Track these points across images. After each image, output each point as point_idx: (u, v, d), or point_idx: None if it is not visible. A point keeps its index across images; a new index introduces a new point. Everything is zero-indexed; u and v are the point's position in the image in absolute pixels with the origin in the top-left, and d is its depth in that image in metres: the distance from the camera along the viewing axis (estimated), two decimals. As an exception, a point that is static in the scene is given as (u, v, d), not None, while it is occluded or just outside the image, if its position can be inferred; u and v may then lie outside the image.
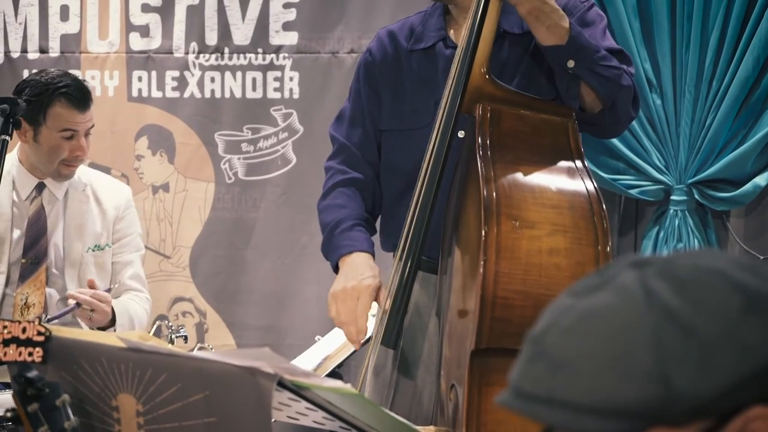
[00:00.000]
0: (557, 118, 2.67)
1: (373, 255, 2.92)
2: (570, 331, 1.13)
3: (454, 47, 2.90)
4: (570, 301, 1.15)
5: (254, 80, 5.10)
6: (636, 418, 1.09)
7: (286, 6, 5.07)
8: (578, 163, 2.60)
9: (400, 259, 2.74)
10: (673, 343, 1.09)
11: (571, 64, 2.69)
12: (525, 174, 2.55)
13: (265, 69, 5.09)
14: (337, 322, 2.89)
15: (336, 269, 2.95)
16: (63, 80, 3.83)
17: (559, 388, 1.12)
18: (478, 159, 2.54)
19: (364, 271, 2.85)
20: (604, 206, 2.53)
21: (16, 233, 3.88)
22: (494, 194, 2.47)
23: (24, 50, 5.17)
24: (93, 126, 3.88)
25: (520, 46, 2.86)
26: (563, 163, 2.60)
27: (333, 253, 2.96)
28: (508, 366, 2.50)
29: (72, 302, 3.72)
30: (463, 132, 2.68)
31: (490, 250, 2.42)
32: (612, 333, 1.11)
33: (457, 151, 2.70)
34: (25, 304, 3.88)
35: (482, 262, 2.42)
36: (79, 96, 3.83)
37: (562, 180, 2.56)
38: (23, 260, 3.88)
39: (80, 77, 4.01)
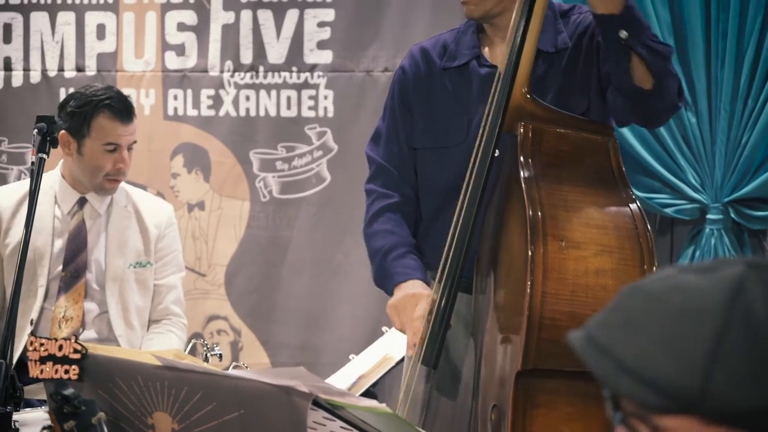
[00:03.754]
0: (598, 137, 2.65)
1: (428, 283, 2.92)
2: (655, 296, 1.16)
3: (489, 65, 2.90)
4: (673, 272, 1.17)
5: (289, 99, 5.11)
6: (669, 398, 1.11)
7: (321, 25, 5.08)
8: (620, 183, 2.59)
9: (440, 281, 2.73)
10: (733, 345, 1.10)
11: (623, 34, 2.62)
12: (569, 194, 2.54)
13: (299, 87, 5.10)
14: (402, 330, 2.88)
15: (390, 293, 2.96)
16: (107, 93, 3.87)
17: (617, 343, 1.15)
18: (522, 178, 2.53)
19: (422, 290, 2.86)
20: (648, 226, 2.52)
21: (57, 247, 3.90)
22: (540, 214, 2.46)
23: (61, 69, 5.20)
24: (135, 142, 3.91)
25: (553, 64, 2.85)
26: (606, 183, 2.58)
27: (389, 279, 2.96)
28: (553, 387, 2.49)
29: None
30: (497, 151, 2.68)
31: (537, 271, 2.41)
32: (686, 311, 1.13)
33: (495, 171, 2.70)
34: (63, 317, 3.90)
35: (529, 283, 2.41)
36: (122, 108, 3.87)
37: (606, 200, 2.55)
38: (63, 273, 3.90)
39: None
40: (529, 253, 2.42)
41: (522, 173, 2.54)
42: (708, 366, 1.09)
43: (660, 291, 1.16)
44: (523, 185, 2.52)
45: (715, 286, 1.13)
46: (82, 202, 3.94)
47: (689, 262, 4.78)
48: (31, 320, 3.86)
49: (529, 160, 2.57)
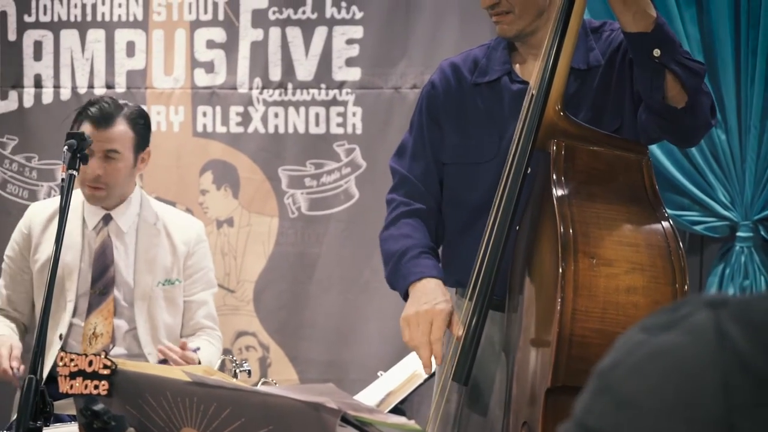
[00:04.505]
0: (631, 155, 2.64)
1: (444, 282, 2.90)
2: (638, 369, 1.12)
3: (521, 82, 2.90)
4: (641, 336, 1.14)
5: (317, 115, 5.12)
6: None
7: (349, 42, 5.09)
8: (653, 201, 2.58)
9: (470, 298, 2.72)
10: (742, 391, 1.07)
11: (657, 53, 2.61)
12: (601, 211, 2.53)
13: (328, 104, 5.11)
14: (411, 346, 2.85)
15: (405, 297, 2.92)
16: (94, 102, 3.88)
17: (621, 426, 1.11)
18: (554, 196, 2.53)
19: (436, 296, 2.83)
20: (680, 244, 2.51)
21: (85, 264, 3.93)
22: (571, 231, 2.46)
23: (91, 86, 5.23)
24: (116, 151, 3.79)
25: (585, 81, 2.85)
26: (638, 201, 2.57)
27: (402, 280, 2.93)
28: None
29: (160, 356, 3.76)
30: (529, 168, 2.67)
31: (567, 288, 2.41)
32: (680, 374, 1.09)
33: (527, 188, 2.69)
34: (93, 333, 3.91)
35: (559, 300, 2.40)
36: (98, 115, 3.83)
37: (638, 218, 2.54)
38: (92, 291, 3.92)
39: (145, 110, 4.03)
40: (560, 270, 2.42)
41: (554, 190, 2.54)
42: (727, 418, 1.07)
43: (640, 362, 1.12)
44: (555, 202, 2.51)
45: (696, 340, 1.10)
46: (107, 218, 3.95)
47: (719, 279, 4.76)
48: (60, 335, 3.88)
49: (562, 178, 2.56)
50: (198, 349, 3.77)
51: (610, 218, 2.53)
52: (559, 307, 2.40)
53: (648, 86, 2.66)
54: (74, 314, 3.91)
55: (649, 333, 1.13)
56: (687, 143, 3.10)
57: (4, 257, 4.06)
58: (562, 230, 2.46)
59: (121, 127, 3.86)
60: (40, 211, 4.03)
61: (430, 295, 2.83)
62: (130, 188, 3.95)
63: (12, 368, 3.68)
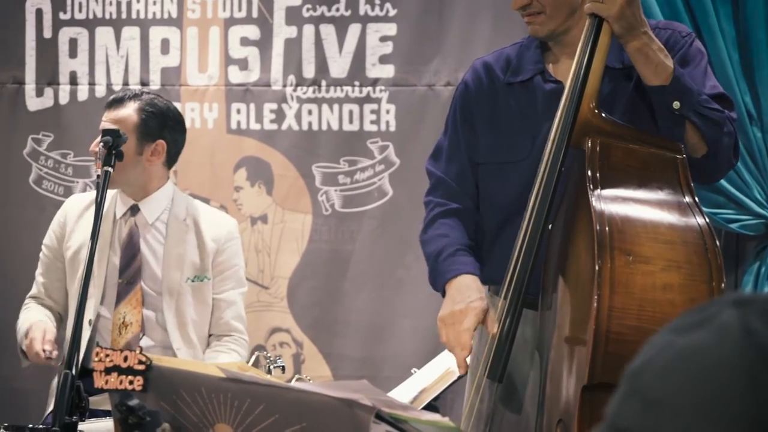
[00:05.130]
0: (667, 152, 2.64)
1: (480, 278, 2.90)
2: (665, 370, 1.11)
3: (554, 81, 2.90)
4: (668, 338, 1.14)
5: (351, 113, 5.12)
6: None
7: (383, 39, 5.09)
8: (688, 199, 2.57)
9: (505, 297, 2.72)
10: None
11: (676, 105, 2.67)
12: (636, 209, 2.53)
13: (361, 102, 5.11)
14: (448, 347, 2.86)
15: (444, 295, 2.93)
16: (124, 91, 4.07)
17: (651, 427, 1.10)
18: (589, 193, 2.52)
19: (471, 294, 2.84)
20: (717, 242, 2.50)
21: (114, 254, 3.97)
22: (607, 229, 2.45)
23: (125, 83, 5.25)
24: (111, 132, 3.57)
25: (620, 80, 2.84)
26: (674, 198, 2.57)
27: (439, 278, 2.94)
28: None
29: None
30: (564, 166, 2.67)
31: (604, 285, 2.40)
32: (707, 374, 1.09)
33: (561, 186, 2.69)
34: (123, 323, 3.94)
35: (596, 297, 2.40)
36: (113, 99, 4.02)
37: (674, 215, 2.54)
38: (119, 280, 3.96)
39: (178, 108, 4.07)
40: (596, 268, 2.41)
41: (589, 188, 2.53)
42: (757, 414, 1.06)
43: (667, 363, 1.12)
44: (590, 200, 2.51)
45: (722, 338, 1.09)
46: (134, 209, 4.00)
47: (755, 277, 4.73)
48: (90, 320, 3.91)
49: (597, 175, 2.56)
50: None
51: (645, 216, 2.52)
52: (595, 305, 2.40)
53: (669, 136, 2.70)
54: (102, 302, 3.95)
55: (676, 334, 1.13)
56: (707, 182, 3.13)
57: (42, 246, 4.12)
58: (598, 228, 2.45)
59: (126, 111, 3.93)
60: (77, 202, 4.12)
61: (465, 293, 2.84)
62: (145, 178, 3.98)
63: (45, 351, 3.72)
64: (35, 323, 3.85)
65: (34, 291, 4.12)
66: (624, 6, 2.64)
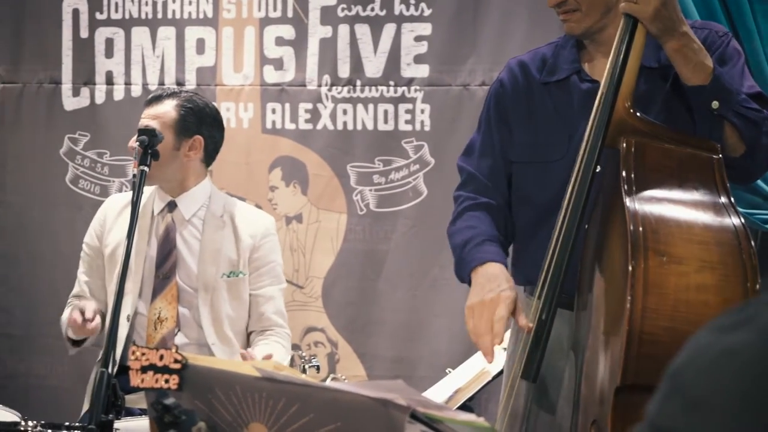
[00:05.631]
0: (703, 152, 2.63)
1: (507, 267, 2.88)
2: (708, 369, 1.11)
3: (590, 80, 2.89)
4: (709, 337, 1.13)
5: (386, 112, 5.12)
6: None
7: (418, 39, 5.09)
8: (724, 199, 2.55)
9: (539, 296, 2.71)
10: None
11: (715, 105, 2.66)
12: (671, 209, 2.51)
13: (396, 101, 5.11)
14: (474, 334, 2.82)
15: (469, 283, 2.91)
16: (163, 89, 4.13)
17: (693, 427, 1.10)
18: (623, 193, 2.51)
19: (501, 283, 2.81)
20: (752, 243, 2.48)
21: (151, 249, 3.99)
22: (641, 229, 2.44)
23: (161, 83, 5.27)
24: (157, 131, 3.66)
25: (655, 80, 2.83)
26: (709, 199, 2.55)
27: (465, 266, 2.91)
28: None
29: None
30: (599, 166, 2.66)
31: (637, 286, 2.39)
32: (749, 374, 1.08)
33: (596, 186, 2.68)
34: (158, 318, 3.96)
35: (629, 298, 2.39)
36: (152, 97, 4.07)
37: (709, 215, 2.52)
38: (155, 275, 3.98)
39: (200, 100, 4.10)
40: (630, 268, 2.40)
41: (624, 188, 2.52)
42: None
43: (709, 363, 1.12)
44: (624, 200, 2.50)
45: (763, 341, 1.09)
46: (171, 205, 4.03)
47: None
48: (127, 316, 3.93)
49: (632, 175, 2.55)
50: (270, 356, 3.80)
51: (680, 216, 2.51)
52: (629, 306, 2.38)
53: (707, 136, 2.69)
54: (139, 297, 3.97)
55: (718, 333, 1.13)
56: (744, 182, 3.12)
57: (83, 245, 4.15)
58: (632, 228, 2.44)
59: (165, 107, 3.98)
60: (116, 201, 4.18)
61: (495, 282, 2.81)
62: (182, 173, 4.01)
63: (85, 316, 3.74)
64: (77, 305, 3.88)
65: (77, 290, 4.14)
66: (659, 7, 2.63)
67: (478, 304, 2.81)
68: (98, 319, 3.78)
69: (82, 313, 3.76)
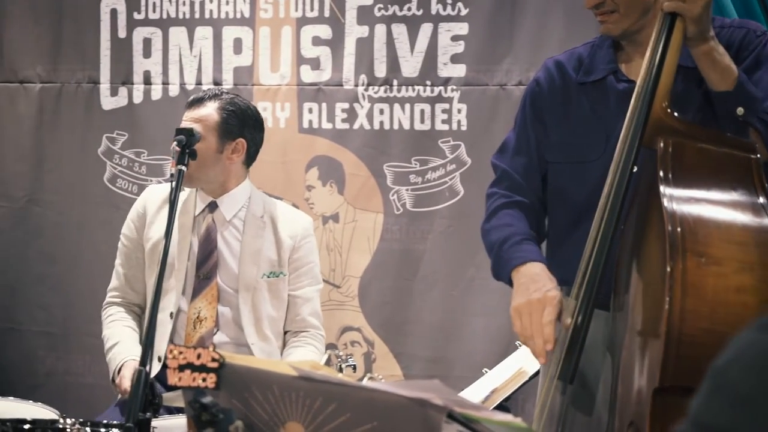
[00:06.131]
0: (741, 153, 2.61)
1: (547, 266, 2.88)
2: (752, 367, 1.11)
3: (627, 81, 2.88)
4: (754, 335, 1.13)
5: (422, 112, 5.12)
6: None
7: (455, 39, 5.08)
8: (763, 199, 2.53)
9: (576, 297, 2.70)
10: None
11: (740, 111, 2.65)
12: (709, 209, 2.50)
13: (433, 101, 5.11)
14: (523, 336, 2.82)
15: (510, 282, 2.90)
16: (203, 91, 4.12)
17: (739, 424, 1.10)
18: (661, 193, 2.50)
19: (546, 283, 2.81)
20: None
21: (193, 249, 4.01)
22: (679, 230, 2.42)
23: (198, 82, 5.29)
24: (194, 131, 3.66)
25: (692, 79, 2.81)
26: (748, 199, 2.53)
27: (505, 266, 2.90)
28: (693, 404, 2.45)
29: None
30: (635, 167, 2.65)
31: (676, 287, 2.38)
32: None
33: (632, 186, 2.67)
34: (197, 318, 3.98)
35: (668, 299, 2.37)
36: (192, 99, 4.07)
37: (747, 216, 2.50)
38: (196, 275, 4.00)
39: (241, 102, 4.11)
40: (668, 269, 2.39)
41: (661, 188, 2.51)
42: None
43: (754, 360, 1.11)
44: (662, 200, 2.48)
45: None
46: (212, 206, 4.04)
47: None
48: (171, 313, 3.95)
49: (669, 175, 2.53)
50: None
51: (718, 216, 2.49)
52: (667, 307, 2.37)
53: None
54: (182, 294, 3.99)
55: (762, 332, 1.12)
56: None
57: (121, 236, 4.17)
58: (670, 229, 2.43)
59: (207, 110, 3.98)
60: (157, 194, 4.15)
61: (539, 282, 2.81)
62: (224, 175, 4.02)
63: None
64: (127, 361, 3.87)
65: (115, 283, 4.15)
66: (704, 8, 2.62)
67: (525, 305, 2.80)
68: None
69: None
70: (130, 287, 4.10)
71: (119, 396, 3.93)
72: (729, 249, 2.43)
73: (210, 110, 3.98)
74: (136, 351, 3.87)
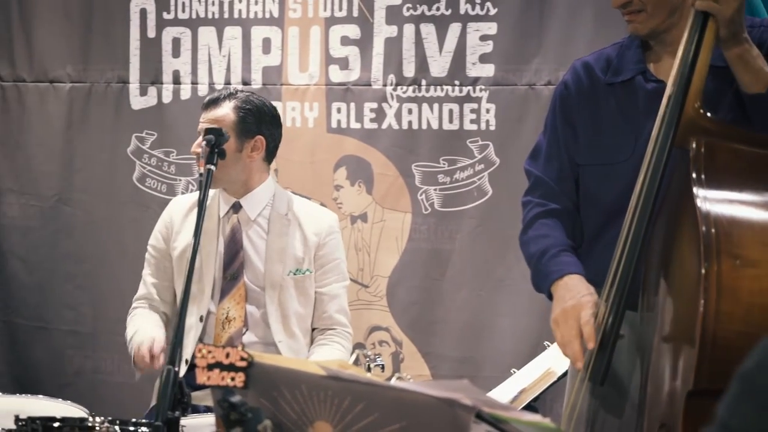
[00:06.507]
0: None
1: (585, 278, 2.88)
2: None
3: (656, 81, 2.86)
4: None
5: (451, 112, 5.12)
6: None
7: (483, 38, 5.07)
8: None
9: (607, 299, 2.69)
10: None
11: None
12: (744, 210, 2.47)
13: (461, 101, 5.10)
14: (561, 345, 2.83)
15: (550, 296, 2.91)
16: (218, 91, 4.16)
17: (766, 429, 1.09)
18: (695, 195, 2.47)
19: (580, 290, 2.82)
20: None
21: (219, 250, 4.02)
22: (713, 231, 2.40)
23: (227, 82, 5.30)
24: (214, 130, 3.57)
25: (724, 79, 2.79)
26: None
27: (544, 279, 2.93)
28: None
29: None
30: (667, 167, 2.63)
31: (711, 289, 2.36)
32: None
33: (662, 187, 2.65)
34: (226, 318, 3.99)
35: (703, 301, 2.35)
36: (208, 99, 4.09)
37: None
38: (223, 276, 4.01)
39: (279, 107, 4.12)
40: (703, 271, 2.36)
41: (695, 189, 2.48)
42: None
43: None
44: (696, 201, 2.46)
45: None
46: (236, 206, 4.06)
47: None
48: (201, 317, 3.96)
49: (702, 176, 2.51)
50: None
51: (753, 218, 2.47)
52: (702, 309, 2.35)
53: None
54: (211, 298, 4.00)
55: None
56: None
57: (148, 247, 4.18)
58: (704, 230, 2.40)
59: (223, 110, 4.00)
60: (181, 204, 4.19)
61: (574, 290, 2.82)
62: (246, 174, 4.03)
63: (152, 354, 3.76)
64: (146, 336, 3.89)
65: (142, 292, 4.17)
66: (737, 9, 2.60)
67: (561, 314, 2.82)
68: (162, 359, 3.78)
69: (150, 350, 3.78)
70: (158, 296, 4.12)
71: (138, 374, 3.95)
72: (764, 251, 2.41)
73: (226, 110, 4.00)
74: (158, 333, 3.89)
